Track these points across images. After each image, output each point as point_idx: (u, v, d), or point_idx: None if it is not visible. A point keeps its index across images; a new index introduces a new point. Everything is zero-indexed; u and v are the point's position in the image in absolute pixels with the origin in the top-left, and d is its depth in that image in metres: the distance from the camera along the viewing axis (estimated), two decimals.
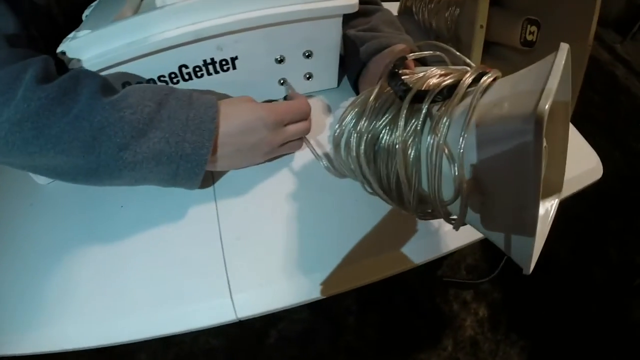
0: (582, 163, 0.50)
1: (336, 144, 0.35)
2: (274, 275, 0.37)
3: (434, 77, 0.28)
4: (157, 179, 0.37)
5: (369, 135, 0.30)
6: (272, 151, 0.43)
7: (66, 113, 0.32)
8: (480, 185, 0.25)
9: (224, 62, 0.44)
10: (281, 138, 0.42)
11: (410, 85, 0.27)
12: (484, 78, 0.25)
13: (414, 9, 0.70)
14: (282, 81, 0.48)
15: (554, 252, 1.02)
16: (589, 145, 0.53)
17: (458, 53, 0.34)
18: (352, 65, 0.49)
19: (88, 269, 0.40)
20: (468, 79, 0.25)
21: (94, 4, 0.53)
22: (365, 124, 0.31)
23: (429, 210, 0.30)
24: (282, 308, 0.37)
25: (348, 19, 0.48)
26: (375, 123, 0.30)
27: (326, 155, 0.46)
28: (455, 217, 0.28)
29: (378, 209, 0.41)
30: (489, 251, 1.04)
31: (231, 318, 0.36)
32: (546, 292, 0.97)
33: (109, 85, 0.36)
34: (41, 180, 0.48)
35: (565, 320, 0.95)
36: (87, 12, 0.52)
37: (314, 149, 0.43)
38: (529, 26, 0.51)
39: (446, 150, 0.25)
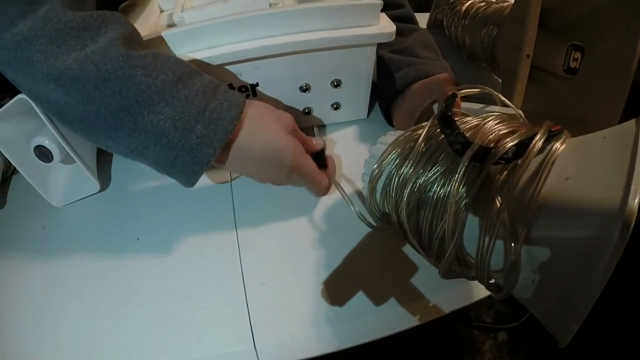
0: None
1: (372, 185, 0.33)
2: (299, 324, 0.36)
3: (493, 131, 0.25)
4: (153, 159, 0.33)
5: (415, 185, 0.28)
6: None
7: (78, 49, 0.29)
8: (535, 263, 0.23)
9: (242, 89, 0.42)
10: (290, 184, 0.39)
11: (467, 136, 0.25)
12: (556, 145, 0.23)
13: (445, 23, 0.67)
14: (306, 111, 0.46)
15: None
16: None
17: (508, 101, 0.31)
18: (385, 91, 0.46)
19: (100, 305, 0.39)
20: (539, 142, 0.23)
21: None
22: (411, 170, 0.29)
23: (470, 274, 0.28)
24: (306, 357, 0.36)
25: None
26: (424, 172, 0.28)
27: (358, 195, 0.44)
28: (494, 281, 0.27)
29: (407, 257, 0.40)
30: None
31: None
32: None
33: (136, 39, 0.33)
34: (55, 202, 0.48)
35: (585, 347, 0.92)
36: None
37: (346, 195, 0.39)
38: (573, 52, 0.48)
39: (506, 222, 0.23)
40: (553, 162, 0.23)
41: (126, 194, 0.49)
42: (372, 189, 0.34)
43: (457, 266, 0.28)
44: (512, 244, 0.23)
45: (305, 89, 0.44)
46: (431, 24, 0.73)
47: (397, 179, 0.30)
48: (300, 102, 0.46)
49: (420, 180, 0.28)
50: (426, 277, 0.38)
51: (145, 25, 0.48)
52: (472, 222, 0.26)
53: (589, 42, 0.48)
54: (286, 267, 0.39)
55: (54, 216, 0.48)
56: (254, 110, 0.34)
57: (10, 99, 0.48)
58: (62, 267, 0.42)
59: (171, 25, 0.46)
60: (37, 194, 0.47)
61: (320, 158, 0.39)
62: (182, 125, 0.31)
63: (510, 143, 0.24)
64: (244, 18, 0.37)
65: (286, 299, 0.37)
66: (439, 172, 0.27)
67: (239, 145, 0.33)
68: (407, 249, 0.40)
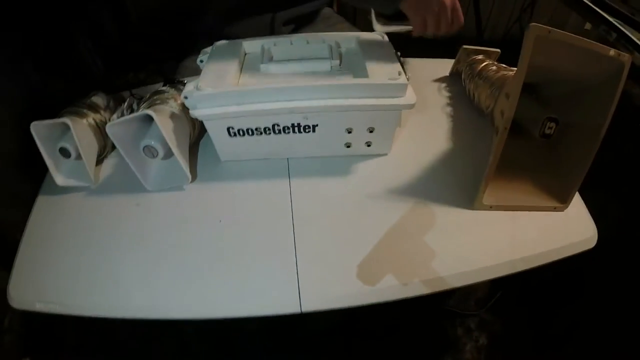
0: (579, 233, 0.64)
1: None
2: (334, 281, 0.56)
3: None
4: None
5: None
6: None
7: None
8: None
9: (306, 127, 0.64)
10: None
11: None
12: None
13: (462, 76, 0.87)
14: (348, 145, 0.67)
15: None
16: (589, 216, 0.67)
17: None
18: None
19: (190, 266, 0.59)
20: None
21: (208, 50, 0.71)
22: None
23: None
24: (338, 308, 0.55)
25: None
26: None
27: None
28: None
29: (427, 244, 0.60)
30: (497, 289, 1.21)
31: (296, 310, 0.55)
32: (544, 331, 1.14)
33: None
34: (150, 187, 0.68)
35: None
36: (202, 57, 0.71)
37: None
38: (548, 122, 0.67)
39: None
40: None
41: (209, 185, 0.69)
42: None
43: None
44: None
45: (349, 131, 0.65)
46: (453, 71, 0.93)
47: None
48: (345, 139, 0.67)
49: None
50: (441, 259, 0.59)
51: (233, 61, 0.67)
52: None
53: (565, 113, 0.66)
54: (329, 240, 0.60)
55: (147, 197, 0.67)
56: None
57: (99, 94, 0.71)
58: (155, 236, 0.62)
59: (257, 71, 0.66)
60: (127, 175, 0.66)
61: None
62: None
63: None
64: (316, 86, 0.59)
65: (328, 263, 0.57)
66: None
67: None
68: (434, 233, 0.61)
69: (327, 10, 1.04)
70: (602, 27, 0.93)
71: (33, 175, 0.75)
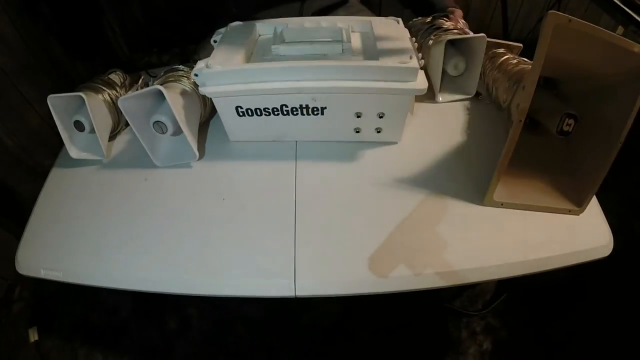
0: (593, 240, 0.61)
1: None
2: (330, 268, 0.56)
3: None
4: None
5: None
6: None
7: None
8: None
9: (315, 109, 0.63)
10: None
11: None
12: None
13: (482, 69, 0.84)
14: (357, 130, 0.66)
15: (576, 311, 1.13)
16: (606, 222, 0.64)
17: None
18: None
19: (185, 236, 0.60)
20: None
21: (222, 31, 0.71)
22: None
23: None
24: (331, 295, 0.55)
25: None
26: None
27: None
28: None
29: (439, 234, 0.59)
30: (503, 290, 1.19)
31: (290, 294, 0.54)
32: (551, 342, 1.10)
33: None
34: (158, 162, 0.69)
35: None
36: (216, 37, 0.71)
37: None
38: (567, 119, 0.64)
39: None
40: None
41: (216, 164, 0.70)
42: None
43: None
44: None
45: (358, 116, 0.64)
46: None
47: None
48: (354, 123, 0.66)
49: None
50: (448, 249, 0.57)
51: (245, 42, 0.67)
52: None
53: (585, 112, 0.63)
54: (328, 228, 0.59)
55: (156, 172, 0.68)
56: None
57: (117, 72, 0.74)
58: (159, 211, 0.63)
59: (268, 52, 0.66)
60: (138, 151, 0.67)
61: None
62: None
63: None
64: (323, 66, 0.58)
65: (324, 252, 0.57)
66: None
67: None
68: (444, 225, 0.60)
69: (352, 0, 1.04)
70: (630, 27, 0.89)
71: (54, 151, 0.77)
